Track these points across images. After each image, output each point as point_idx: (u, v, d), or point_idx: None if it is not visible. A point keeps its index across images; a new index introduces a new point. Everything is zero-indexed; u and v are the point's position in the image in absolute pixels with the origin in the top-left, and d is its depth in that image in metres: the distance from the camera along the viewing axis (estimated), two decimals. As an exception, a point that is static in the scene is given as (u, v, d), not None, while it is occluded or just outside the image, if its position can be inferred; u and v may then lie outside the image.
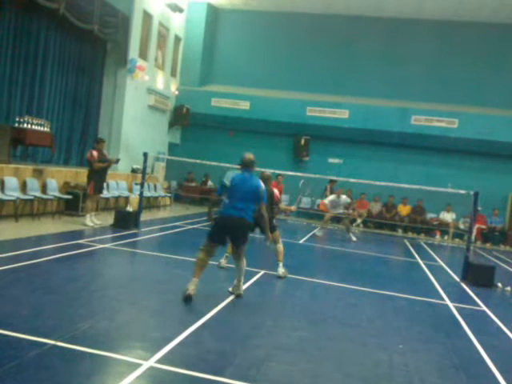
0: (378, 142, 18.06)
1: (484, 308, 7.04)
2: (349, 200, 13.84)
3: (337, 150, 18.69)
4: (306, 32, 19.18)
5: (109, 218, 10.81)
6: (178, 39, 19.22)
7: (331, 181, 15.21)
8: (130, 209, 11.10)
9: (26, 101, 12.25)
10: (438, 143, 17.45)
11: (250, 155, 6.05)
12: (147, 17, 16.33)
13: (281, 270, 7.51)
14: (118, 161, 10.98)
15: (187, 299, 5.38)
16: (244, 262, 5.98)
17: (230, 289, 6.06)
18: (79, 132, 14.61)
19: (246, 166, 5.94)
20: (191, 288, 5.46)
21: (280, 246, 7.81)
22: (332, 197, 13.83)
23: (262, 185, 5.95)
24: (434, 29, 18.16)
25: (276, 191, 7.91)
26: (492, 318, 6.54)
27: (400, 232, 17.27)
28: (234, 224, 5.72)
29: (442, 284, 8.51)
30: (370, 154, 18.30)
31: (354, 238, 13.41)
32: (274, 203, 7.77)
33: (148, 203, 14.85)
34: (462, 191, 9.80)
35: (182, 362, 3.81)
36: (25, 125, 10.81)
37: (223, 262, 7.63)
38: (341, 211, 13.65)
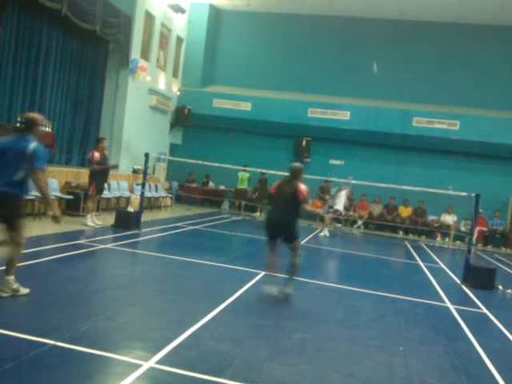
0: (380, 144, 18.06)
1: (485, 310, 7.02)
2: (347, 192, 14.45)
3: (338, 151, 18.69)
4: (308, 33, 19.20)
5: (110, 219, 10.81)
6: (179, 40, 19.24)
7: (327, 181, 15.34)
8: (130, 209, 11.11)
9: (28, 100, 12.26)
10: (439, 145, 17.45)
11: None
12: (149, 17, 16.36)
13: (290, 289, 6.11)
14: (116, 166, 10.97)
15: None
16: None
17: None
18: (80, 132, 14.62)
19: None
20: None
21: (299, 259, 6.27)
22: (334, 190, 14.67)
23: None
24: (436, 31, 18.18)
25: (303, 187, 6.14)
26: (493, 320, 6.52)
27: (401, 234, 17.25)
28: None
29: (442, 286, 8.50)
30: (371, 155, 18.31)
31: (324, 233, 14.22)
32: (299, 202, 6.11)
33: (149, 204, 14.85)
34: (463, 193, 9.80)
35: (182, 363, 3.80)
36: (26, 125, 10.82)
37: None
38: (340, 206, 14.23)
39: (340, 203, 14.37)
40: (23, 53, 11.89)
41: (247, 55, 19.70)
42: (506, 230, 17.04)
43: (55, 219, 5.01)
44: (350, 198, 15.54)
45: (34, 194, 10.01)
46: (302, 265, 6.15)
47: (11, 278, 4.84)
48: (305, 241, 12.64)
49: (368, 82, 18.34)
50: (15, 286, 4.87)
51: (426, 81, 18.06)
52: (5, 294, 4.79)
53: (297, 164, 6.54)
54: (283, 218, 6.05)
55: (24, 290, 4.94)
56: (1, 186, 4.69)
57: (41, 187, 4.76)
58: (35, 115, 5.11)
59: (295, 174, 6.28)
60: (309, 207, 6.72)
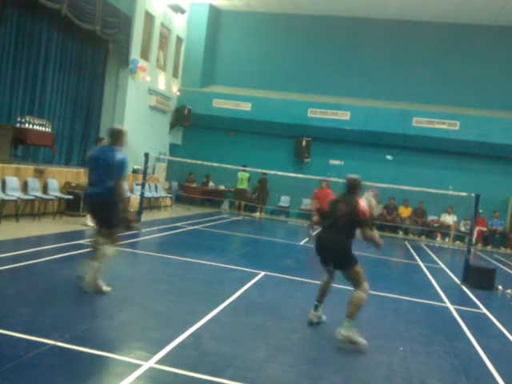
0: (380, 144, 18.06)
1: (484, 310, 7.03)
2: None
3: (338, 151, 18.69)
4: (308, 33, 19.21)
5: (109, 219, 10.79)
6: (179, 40, 19.25)
7: (322, 180, 15.39)
8: (130, 209, 11.10)
9: (28, 101, 12.27)
10: (439, 145, 17.45)
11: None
12: (149, 17, 16.36)
13: (345, 331, 4.65)
14: None
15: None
16: None
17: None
18: (80, 132, 14.63)
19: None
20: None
21: (360, 294, 4.91)
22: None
23: None
24: (436, 31, 18.19)
25: (363, 203, 4.92)
26: (492, 320, 6.52)
27: (401, 234, 17.26)
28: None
29: (442, 286, 8.50)
30: (371, 155, 18.30)
31: None
32: (358, 221, 4.85)
33: (149, 204, 14.85)
34: (463, 193, 9.80)
35: (182, 363, 3.80)
36: (26, 125, 10.84)
37: None
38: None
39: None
40: (23, 53, 11.89)
41: (247, 55, 19.70)
42: (506, 230, 17.05)
43: (130, 223, 5.62)
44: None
45: (33, 193, 10.05)
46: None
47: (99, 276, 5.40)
48: (304, 241, 12.64)
49: (368, 82, 18.36)
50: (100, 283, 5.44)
51: (426, 81, 18.07)
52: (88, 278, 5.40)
53: (353, 176, 5.21)
54: (332, 238, 4.91)
55: (106, 288, 5.47)
56: (97, 192, 5.39)
57: (119, 194, 5.29)
58: (121, 128, 5.72)
59: (353, 188, 5.06)
60: (371, 233, 4.89)
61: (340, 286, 6.06)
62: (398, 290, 7.66)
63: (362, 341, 4.59)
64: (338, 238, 4.90)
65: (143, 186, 10.93)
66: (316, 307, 5.34)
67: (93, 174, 5.52)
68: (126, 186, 5.41)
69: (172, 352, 3.99)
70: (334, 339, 4.94)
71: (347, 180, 5.15)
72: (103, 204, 5.35)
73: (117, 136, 5.55)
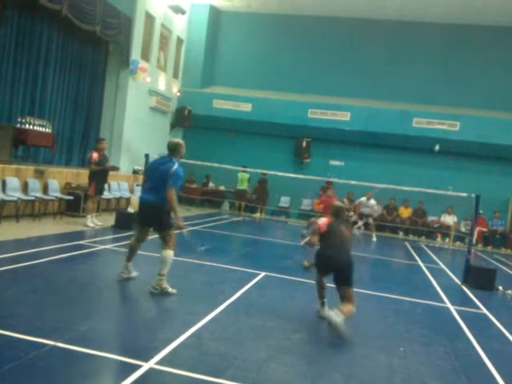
0: (380, 145, 18.06)
1: (485, 311, 7.02)
2: (375, 207, 15.00)
3: (338, 152, 18.69)
4: (308, 34, 19.22)
5: (110, 219, 10.81)
6: (180, 41, 19.26)
7: (328, 181, 15.46)
8: (131, 210, 11.11)
9: (28, 101, 12.27)
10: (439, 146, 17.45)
11: None
12: (149, 18, 16.37)
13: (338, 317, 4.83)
14: (113, 168, 10.84)
15: None
16: None
17: None
18: (81, 133, 14.63)
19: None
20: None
21: (351, 308, 5.11)
22: (363, 198, 14.84)
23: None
24: (437, 31, 18.20)
25: None
26: (493, 321, 6.52)
27: (401, 234, 17.25)
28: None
29: (443, 287, 8.49)
30: (371, 156, 18.31)
31: (374, 239, 14.57)
32: None
33: (149, 204, 14.80)
34: (464, 194, 9.80)
35: (183, 364, 3.80)
36: (26, 125, 10.84)
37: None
38: (367, 210, 14.82)
39: (366, 208, 14.81)
40: (23, 53, 11.90)
41: (247, 56, 19.71)
42: (506, 231, 17.04)
43: (179, 229, 5.87)
44: (350, 200, 16.04)
45: (34, 194, 10.05)
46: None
47: (163, 277, 5.65)
48: (304, 242, 12.62)
49: (368, 83, 18.36)
50: (165, 285, 5.66)
51: (427, 81, 18.07)
52: (155, 291, 5.62)
53: (339, 204, 6.07)
54: (346, 259, 5.32)
55: (172, 290, 5.68)
56: (152, 198, 5.73)
57: (170, 200, 5.60)
58: (179, 141, 6.15)
59: (341, 215, 5.70)
60: None
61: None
62: (398, 291, 7.65)
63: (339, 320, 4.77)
64: (350, 261, 5.35)
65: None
66: (323, 304, 5.74)
67: (150, 181, 5.94)
68: (174, 195, 5.67)
69: (172, 352, 3.99)
70: (333, 339, 4.94)
71: (335, 208, 5.76)
72: (156, 209, 5.68)
73: (174, 148, 5.97)
